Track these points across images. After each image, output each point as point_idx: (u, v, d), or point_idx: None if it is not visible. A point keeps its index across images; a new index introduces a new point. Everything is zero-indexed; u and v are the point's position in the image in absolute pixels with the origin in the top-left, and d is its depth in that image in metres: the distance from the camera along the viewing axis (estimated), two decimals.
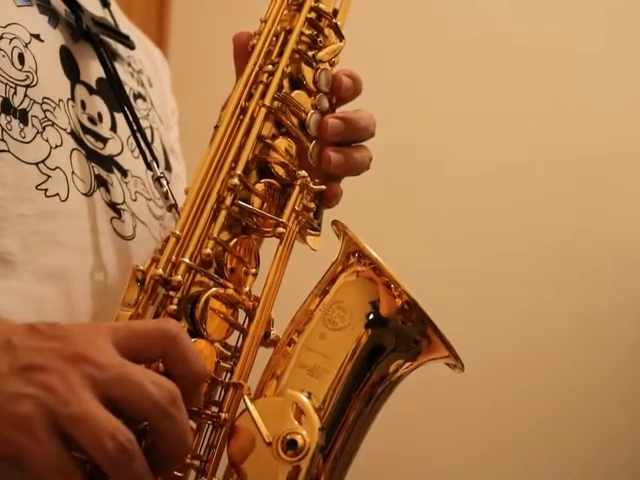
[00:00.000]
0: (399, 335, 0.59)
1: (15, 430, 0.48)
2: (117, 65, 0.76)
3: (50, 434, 0.48)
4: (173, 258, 0.61)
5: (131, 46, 0.79)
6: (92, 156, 0.69)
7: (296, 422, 0.54)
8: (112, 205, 0.69)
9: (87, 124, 0.70)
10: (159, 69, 0.90)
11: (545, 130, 1.71)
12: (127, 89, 0.76)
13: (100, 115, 0.71)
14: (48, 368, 0.49)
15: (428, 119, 1.70)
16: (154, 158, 0.70)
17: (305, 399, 0.55)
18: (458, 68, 1.73)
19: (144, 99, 0.80)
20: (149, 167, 0.70)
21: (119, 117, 0.73)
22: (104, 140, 0.71)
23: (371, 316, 0.59)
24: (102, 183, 0.69)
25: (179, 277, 0.59)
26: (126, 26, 0.85)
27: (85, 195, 0.66)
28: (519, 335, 1.64)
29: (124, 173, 0.71)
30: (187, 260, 0.60)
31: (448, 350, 0.59)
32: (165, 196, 0.69)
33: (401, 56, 1.72)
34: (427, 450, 1.59)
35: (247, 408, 0.56)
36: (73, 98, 0.69)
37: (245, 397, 0.57)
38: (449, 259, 1.67)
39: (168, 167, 0.81)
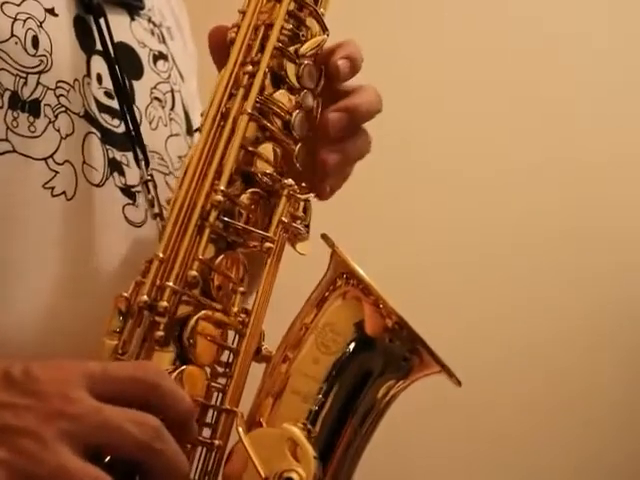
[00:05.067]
0: (391, 356, 0.58)
1: None
2: (135, 25, 0.74)
3: None
4: (157, 282, 0.58)
5: (140, 7, 0.75)
6: (107, 137, 0.66)
7: (291, 458, 0.53)
8: (126, 190, 0.67)
9: (103, 100, 0.67)
10: (175, 11, 0.85)
11: (544, 128, 1.67)
12: (145, 53, 0.73)
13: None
14: (22, 430, 0.48)
15: (421, 115, 1.65)
16: (145, 157, 0.68)
17: (299, 432, 0.54)
18: (458, 63, 1.67)
19: (165, 58, 0.76)
20: (138, 165, 0.68)
21: (138, 84, 0.71)
22: (120, 116, 0.68)
23: (364, 339, 0.57)
24: (116, 167, 0.66)
25: (165, 303, 0.57)
26: None
27: (96, 186, 0.64)
28: (516, 333, 1.62)
29: (136, 152, 0.68)
30: (172, 284, 0.58)
31: (442, 368, 0.57)
32: (151, 203, 0.66)
33: (395, 51, 1.65)
34: (425, 445, 1.59)
35: (242, 442, 0.55)
36: (89, 74, 0.66)
37: (239, 429, 0.56)
38: (446, 257, 1.64)
39: (189, 131, 0.78)
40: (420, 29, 1.68)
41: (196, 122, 0.80)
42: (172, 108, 0.75)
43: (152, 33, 0.76)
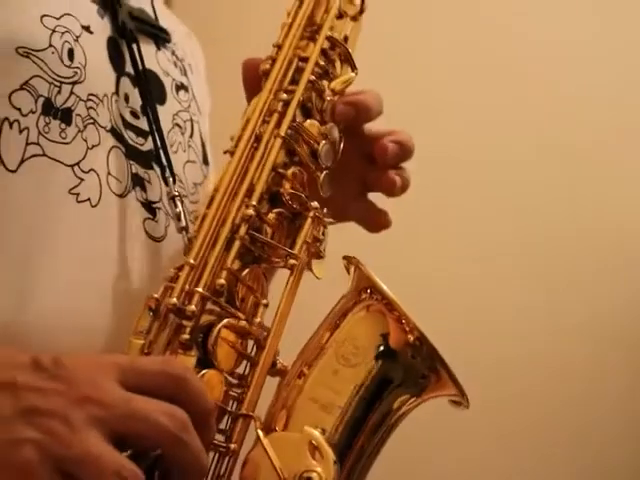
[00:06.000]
0: (410, 373, 0.60)
1: (18, 476, 0.48)
2: (160, 55, 0.77)
3: (53, 477, 0.48)
4: (187, 287, 0.61)
5: (167, 40, 0.79)
6: (131, 153, 0.68)
7: (311, 459, 0.55)
8: (147, 204, 0.69)
9: (129, 119, 0.69)
10: (195, 55, 0.89)
11: (543, 128, 1.72)
12: (169, 81, 0.76)
13: (143, 108, 0.71)
14: (51, 412, 0.49)
15: (418, 117, 1.68)
16: (172, 173, 0.70)
17: (320, 435, 0.56)
18: (461, 70, 1.73)
19: (186, 90, 0.80)
20: (166, 183, 0.70)
21: (162, 110, 0.73)
22: (145, 135, 0.70)
23: (384, 354, 0.60)
24: (138, 182, 0.68)
25: (193, 307, 0.59)
26: (164, 14, 0.84)
27: (119, 197, 0.66)
28: (517, 334, 1.65)
29: (164, 169, 0.70)
30: (201, 290, 0.60)
31: (457, 389, 0.60)
32: (177, 217, 0.68)
33: (395, 57, 1.71)
34: (427, 446, 1.59)
35: (261, 443, 0.56)
36: (117, 92, 0.69)
37: (259, 431, 0.57)
38: (447, 257, 1.68)
39: (205, 161, 0.81)
40: (417, 29, 1.74)
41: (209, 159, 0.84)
42: (191, 136, 0.78)
43: (175, 65, 0.80)
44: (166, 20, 0.82)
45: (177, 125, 0.76)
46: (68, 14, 0.65)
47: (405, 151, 0.77)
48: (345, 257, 0.65)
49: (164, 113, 0.74)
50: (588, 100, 1.72)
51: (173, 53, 0.80)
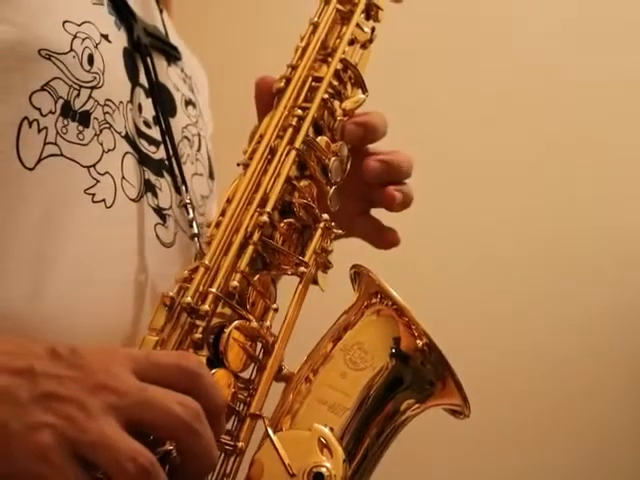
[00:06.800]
0: (417, 378, 0.62)
1: (34, 459, 0.48)
2: (171, 70, 0.79)
3: (68, 462, 0.48)
4: (201, 288, 0.62)
5: (177, 57, 0.82)
6: (144, 160, 0.70)
7: (320, 455, 0.56)
8: (158, 210, 0.70)
9: (142, 128, 0.71)
10: (200, 79, 0.92)
11: (542, 129, 1.74)
12: (179, 96, 0.79)
13: (155, 119, 0.73)
14: (68, 398, 0.50)
15: (420, 118, 1.71)
16: (184, 181, 0.72)
17: (329, 432, 0.57)
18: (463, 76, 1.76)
19: (194, 106, 0.82)
20: (178, 191, 0.72)
21: (172, 122, 0.75)
22: (157, 144, 0.72)
23: (392, 359, 0.62)
24: (150, 188, 0.70)
25: (207, 307, 0.61)
26: (174, 33, 0.86)
27: (133, 200, 0.68)
28: (517, 333, 1.66)
29: (175, 177, 0.72)
30: (215, 291, 0.62)
31: (462, 399, 0.62)
32: (189, 224, 0.70)
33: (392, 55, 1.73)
34: (426, 445, 1.57)
35: (270, 439, 0.57)
36: (132, 101, 0.71)
37: (268, 428, 0.58)
38: (447, 259, 1.69)
39: (212, 175, 0.83)
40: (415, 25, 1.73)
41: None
42: (198, 150, 0.81)
43: (184, 81, 0.83)
44: (175, 39, 0.85)
45: (186, 138, 0.78)
46: (88, 22, 0.67)
47: (391, 170, 0.77)
48: (354, 266, 0.67)
49: (174, 125, 0.76)
50: (589, 100, 1.75)
51: (182, 70, 0.83)
